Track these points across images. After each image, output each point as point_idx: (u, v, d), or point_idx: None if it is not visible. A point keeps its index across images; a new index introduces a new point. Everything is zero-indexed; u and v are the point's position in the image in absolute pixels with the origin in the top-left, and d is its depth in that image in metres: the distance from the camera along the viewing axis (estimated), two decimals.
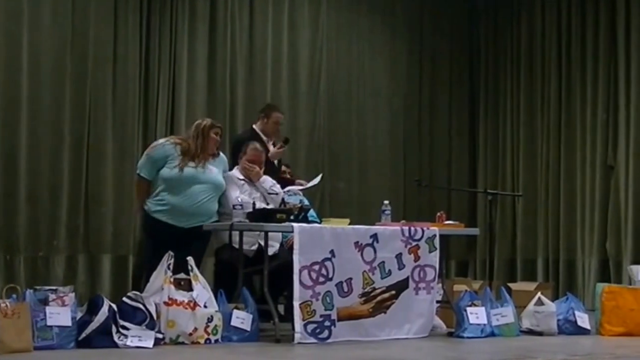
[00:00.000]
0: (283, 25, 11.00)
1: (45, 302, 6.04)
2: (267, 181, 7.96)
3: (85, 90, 9.61)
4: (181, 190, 7.05)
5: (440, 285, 7.56)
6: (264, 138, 8.47)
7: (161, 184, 7.09)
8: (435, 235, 7.38)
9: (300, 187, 8.51)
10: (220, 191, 7.33)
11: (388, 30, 11.91)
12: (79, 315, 6.20)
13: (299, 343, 6.61)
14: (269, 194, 7.82)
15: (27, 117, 9.25)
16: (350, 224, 7.22)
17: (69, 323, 6.04)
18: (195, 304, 6.53)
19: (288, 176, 8.84)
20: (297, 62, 11.09)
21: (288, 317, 7.03)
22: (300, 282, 6.70)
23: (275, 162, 8.57)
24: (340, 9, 11.51)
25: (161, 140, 7.36)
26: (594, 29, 11.23)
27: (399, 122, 11.88)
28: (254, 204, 7.33)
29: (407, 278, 7.21)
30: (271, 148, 8.47)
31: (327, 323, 6.78)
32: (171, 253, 6.64)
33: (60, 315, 6.02)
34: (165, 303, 6.45)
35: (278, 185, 8.08)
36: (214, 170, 7.29)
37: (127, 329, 6.23)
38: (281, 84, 10.94)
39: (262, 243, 7.20)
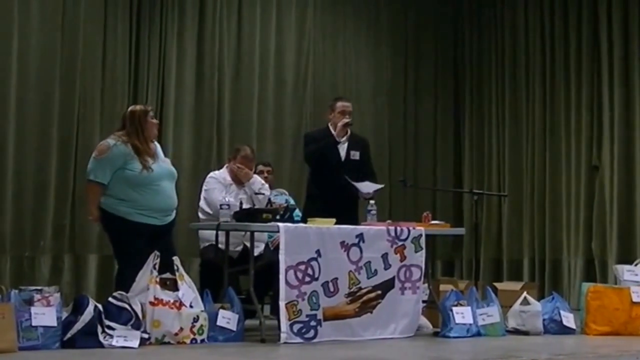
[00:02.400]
0: (270, 28, 11.01)
1: (30, 302, 6.02)
2: (257, 182, 7.98)
3: (74, 90, 9.60)
4: (151, 188, 6.78)
5: (426, 285, 7.58)
6: (334, 132, 8.20)
7: (124, 186, 6.75)
8: (421, 235, 7.40)
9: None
10: (175, 180, 7.10)
11: (373, 34, 11.94)
12: (64, 315, 6.19)
13: (285, 343, 6.62)
14: (256, 193, 7.84)
15: (15, 117, 9.23)
16: (336, 223, 7.22)
17: (54, 323, 6.02)
18: (181, 304, 6.53)
19: (265, 175, 8.72)
20: (284, 65, 11.11)
21: (273, 315, 7.06)
22: (286, 282, 6.70)
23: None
24: (326, 13, 11.53)
25: (110, 142, 6.84)
26: (576, 31, 11.27)
27: (384, 123, 11.90)
28: (240, 204, 7.34)
29: (393, 278, 7.22)
30: (342, 150, 8.19)
31: (313, 323, 6.79)
32: (157, 253, 6.62)
33: (45, 315, 6.00)
34: (151, 303, 6.44)
35: (266, 186, 8.09)
36: (167, 160, 7.09)
37: (112, 329, 6.22)
38: (268, 85, 10.96)
39: (248, 244, 7.21)
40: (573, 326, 7.72)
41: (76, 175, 9.47)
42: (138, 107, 7.07)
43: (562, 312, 7.73)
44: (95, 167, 6.80)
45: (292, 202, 8.58)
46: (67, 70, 9.57)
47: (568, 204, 11.17)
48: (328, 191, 7.98)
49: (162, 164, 6.96)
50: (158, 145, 7.13)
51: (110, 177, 6.77)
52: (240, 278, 7.74)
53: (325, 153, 8.11)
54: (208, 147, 10.41)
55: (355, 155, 8.22)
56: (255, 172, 8.34)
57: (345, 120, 8.17)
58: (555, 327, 7.67)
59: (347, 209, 7.79)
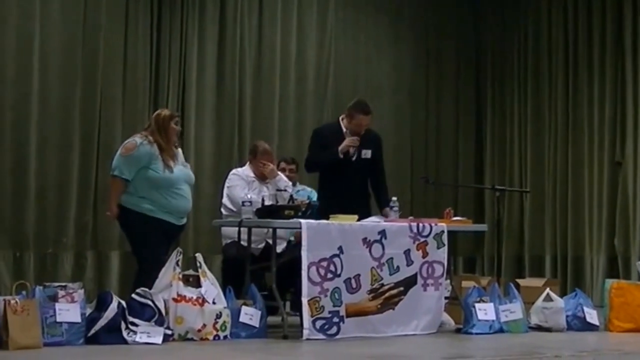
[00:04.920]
0: (291, 25, 11.02)
1: (54, 298, 6.06)
2: (282, 181, 7.97)
3: (95, 89, 9.64)
4: (172, 191, 6.84)
5: (448, 281, 7.57)
6: (345, 131, 7.96)
7: (147, 185, 6.80)
8: (443, 232, 7.38)
9: None
10: (192, 185, 7.18)
11: (394, 30, 11.93)
12: (88, 311, 6.22)
13: (307, 339, 6.62)
14: (278, 190, 7.83)
15: (37, 114, 9.28)
16: (358, 220, 7.21)
17: (78, 319, 6.06)
18: (204, 301, 6.54)
19: (287, 173, 8.67)
20: (305, 62, 11.11)
21: (292, 311, 7.06)
22: (309, 279, 6.71)
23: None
24: (347, 10, 11.54)
25: (137, 140, 6.87)
26: (600, 26, 11.22)
27: (405, 120, 11.89)
28: (262, 200, 7.34)
29: (416, 274, 7.21)
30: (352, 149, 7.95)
31: (335, 319, 6.79)
32: (180, 250, 6.67)
33: (69, 311, 6.04)
34: (174, 299, 6.47)
35: (290, 184, 8.08)
36: (187, 165, 7.17)
37: (136, 325, 6.25)
38: (289, 83, 10.97)
39: (270, 241, 7.22)
40: (596, 323, 7.69)
41: (98, 173, 9.52)
42: (164, 111, 7.18)
43: (585, 308, 7.70)
44: (121, 164, 6.85)
45: (314, 198, 8.55)
46: (89, 69, 9.62)
47: (590, 200, 11.13)
48: (339, 190, 7.78)
49: (183, 168, 7.04)
50: (180, 152, 7.17)
51: (134, 175, 6.81)
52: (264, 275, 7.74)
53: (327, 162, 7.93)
54: (229, 145, 10.42)
55: (367, 154, 7.95)
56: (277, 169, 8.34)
57: (352, 142, 7.81)
58: (579, 324, 7.65)
59: (359, 207, 7.67)
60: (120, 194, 6.86)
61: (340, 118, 8.06)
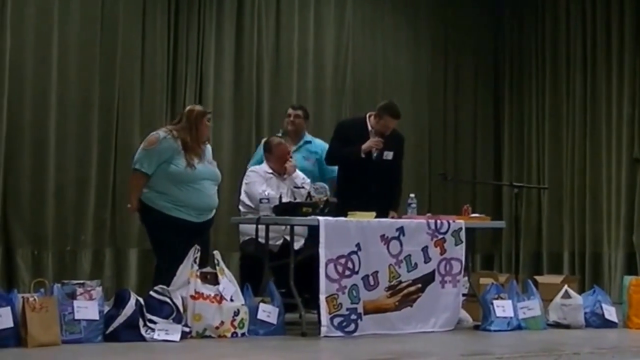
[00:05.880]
0: (309, 21, 11.01)
1: (73, 296, 6.09)
2: (299, 177, 7.98)
3: (113, 86, 9.66)
4: (193, 186, 6.84)
5: (466, 278, 7.55)
6: (370, 129, 7.97)
7: (166, 180, 6.82)
8: (461, 228, 7.37)
9: None
10: (218, 183, 7.17)
11: (412, 27, 11.90)
12: (106, 309, 6.25)
13: (325, 336, 6.62)
14: (296, 187, 7.83)
15: (55, 112, 9.30)
16: (376, 217, 7.21)
17: (97, 317, 6.09)
18: (222, 298, 6.56)
19: (292, 118, 8.58)
20: (323, 59, 11.10)
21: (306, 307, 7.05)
22: (327, 276, 6.71)
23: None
24: (365, 5, 11.52)
25: (161, 134, 6.93)
26: (619, 21, 11.17)
27: (423, 117, 11.87)
28: (280, 197, 7.34)
29: (433, 271, 7.20)
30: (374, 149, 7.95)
31: (353, 316, 6.79)
32: (197, 247, 6.66)
33: (87, 309, 6.06)
34: (192, 297, 6.49)
35: (308, 180, 8.08)
36: (214, 163, 7.14)
37: (154, 322, 6.27)
38: (307, 80, 10.96)
39: (288, 238, 7.22)
40: (615, 320, 7.66)
41: (116, 170, 9.55)
42: (197, 107, 7.16)
43: (603, 305, 7.67)
44: (142, 157, 6.89)
45: (324, 149, 8.42)
46: (107, 66, 9.63)
47: (609, 197, 11.09)
48: (357, 189, 7.75)
49: (208, 165, 7.02)
50: (209, 148, 7.17)
51: (155, 169, 6.83)
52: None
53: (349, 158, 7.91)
54: (247, 142, 10.42)
55: (389, 155, 7.96)
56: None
57: (376, 144, 7.82)
58: (597, 321, 7.62)
59: (376, 208, 7.54)
60: (141, 188, 6.88)
61: (367, 115, 8.05)
